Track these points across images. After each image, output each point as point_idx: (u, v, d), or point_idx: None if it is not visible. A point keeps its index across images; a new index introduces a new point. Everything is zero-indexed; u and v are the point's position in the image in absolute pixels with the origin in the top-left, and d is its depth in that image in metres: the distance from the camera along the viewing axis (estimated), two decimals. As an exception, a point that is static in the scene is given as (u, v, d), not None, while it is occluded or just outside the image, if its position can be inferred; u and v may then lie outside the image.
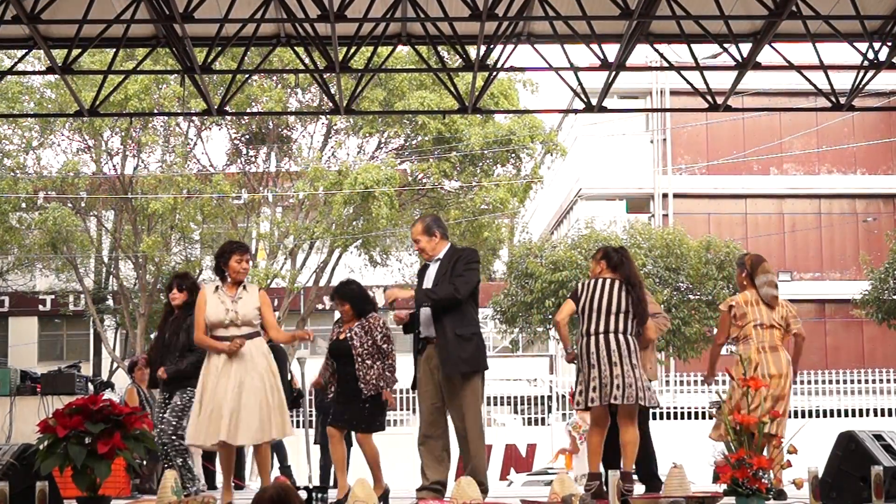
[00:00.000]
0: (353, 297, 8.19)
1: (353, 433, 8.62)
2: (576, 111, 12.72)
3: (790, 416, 8.43)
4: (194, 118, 25.32)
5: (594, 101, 11.74)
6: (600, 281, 7.67)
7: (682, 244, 22.78)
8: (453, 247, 7.78)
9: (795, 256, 31.23)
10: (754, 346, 7.94)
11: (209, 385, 7.38)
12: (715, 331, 20.39)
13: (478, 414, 7.52)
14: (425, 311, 7.52)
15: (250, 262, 7.74)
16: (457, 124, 25.03)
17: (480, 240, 25.91)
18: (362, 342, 8.06)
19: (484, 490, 7.26)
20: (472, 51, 11.05)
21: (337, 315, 8.67)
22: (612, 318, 7.53)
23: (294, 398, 11.79)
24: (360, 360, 8.02)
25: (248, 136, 27.13)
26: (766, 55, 10.92)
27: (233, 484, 11.14)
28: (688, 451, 13.49)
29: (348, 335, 8.11)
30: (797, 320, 8.13)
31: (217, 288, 7.54)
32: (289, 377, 11.72)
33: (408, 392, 21.78)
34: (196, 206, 25.88)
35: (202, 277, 28.21)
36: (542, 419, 23.26)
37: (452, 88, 11.70)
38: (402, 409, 22.12)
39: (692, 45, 10.94)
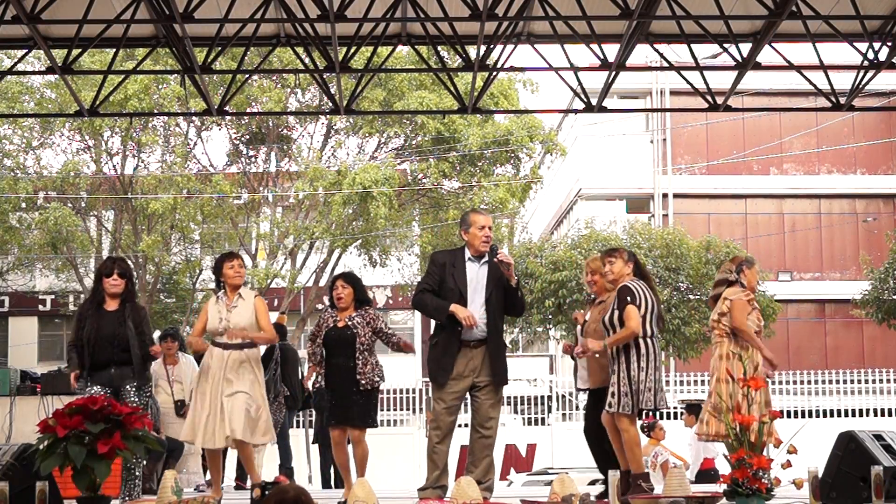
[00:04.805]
0: (357, 284, 8.06)
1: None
2: (576, 111, 12.71)
3: (789, 416, 8.35)
4: (194, 118, 25.31)
5: (594, 101, 11.74)
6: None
7: (682, 244, 22.74)
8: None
9: (795, 256, 31.22)
10: None
11: (202, 390, 7.83)
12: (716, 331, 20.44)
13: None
14: (483, 314, 7.46)
15: (244, 266, 8.03)
16: (456, 124, 25.03)
17: (480, 240, 25.80)
18: (364, 332, 7.83)
19: (489, 489, 7.31)
20: (472, 51, 11.04)
21: (320, 304, 8.62)
22: None
23: (305, 398, 11.67)
24: (359, 350, 7.81)
25: (248, 136, 27.14)
26: (766, 55, 10.92)
27: (234, 484, 11.19)
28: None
29: (349, 323, 7.86)
30: (727, 317, 7.84)
31: (218, 298, 7.94)
32: (300, 377, 11.63)
33: (407, 392, 21.75)
34: (196, 206, 25.89)
35: (202, 277, 28.23)
36: (543, 419, 23.21)
37: (452, 88, 11.69)
38: (401, 409, 22.05)
39: (692, 45, 10.94)
